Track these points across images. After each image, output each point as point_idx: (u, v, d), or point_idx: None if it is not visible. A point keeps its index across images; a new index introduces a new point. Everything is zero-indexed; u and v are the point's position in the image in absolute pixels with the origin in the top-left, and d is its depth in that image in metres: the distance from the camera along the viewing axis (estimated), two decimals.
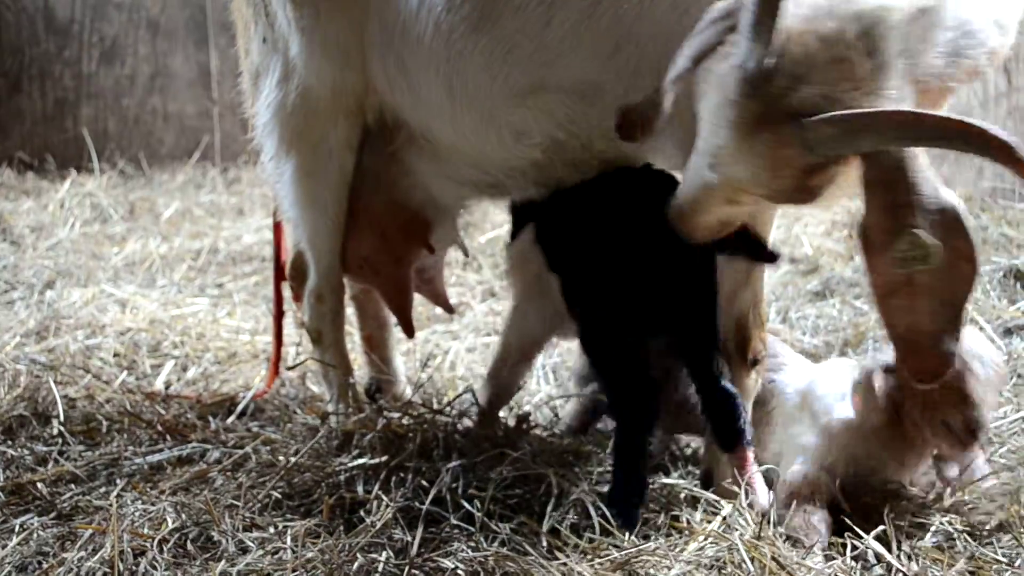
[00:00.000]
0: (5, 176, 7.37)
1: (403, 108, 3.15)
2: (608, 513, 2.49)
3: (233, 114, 7.48)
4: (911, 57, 2.16)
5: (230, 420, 3.42)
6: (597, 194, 2.81)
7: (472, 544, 2.40)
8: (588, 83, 2.79)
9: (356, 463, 2.80)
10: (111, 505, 2.62)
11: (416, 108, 3.11)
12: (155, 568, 2.38)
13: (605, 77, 2.76)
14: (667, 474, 2.91)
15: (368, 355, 3.78)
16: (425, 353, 4.17)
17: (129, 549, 2.44)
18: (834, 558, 2.42)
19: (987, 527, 2.56)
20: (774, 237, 2.86)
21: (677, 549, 2.38)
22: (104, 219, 6.49)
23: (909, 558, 2.41)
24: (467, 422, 3.08)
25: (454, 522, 2.52)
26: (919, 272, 2.13)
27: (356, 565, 2.31)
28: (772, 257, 2.63)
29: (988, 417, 2.57)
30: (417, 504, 2.57)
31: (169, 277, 5.33)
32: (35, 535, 2.56)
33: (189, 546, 2.48)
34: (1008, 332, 3.82)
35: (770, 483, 2.71)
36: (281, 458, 2.88)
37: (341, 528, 2.54)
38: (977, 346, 2.57)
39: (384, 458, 2.81)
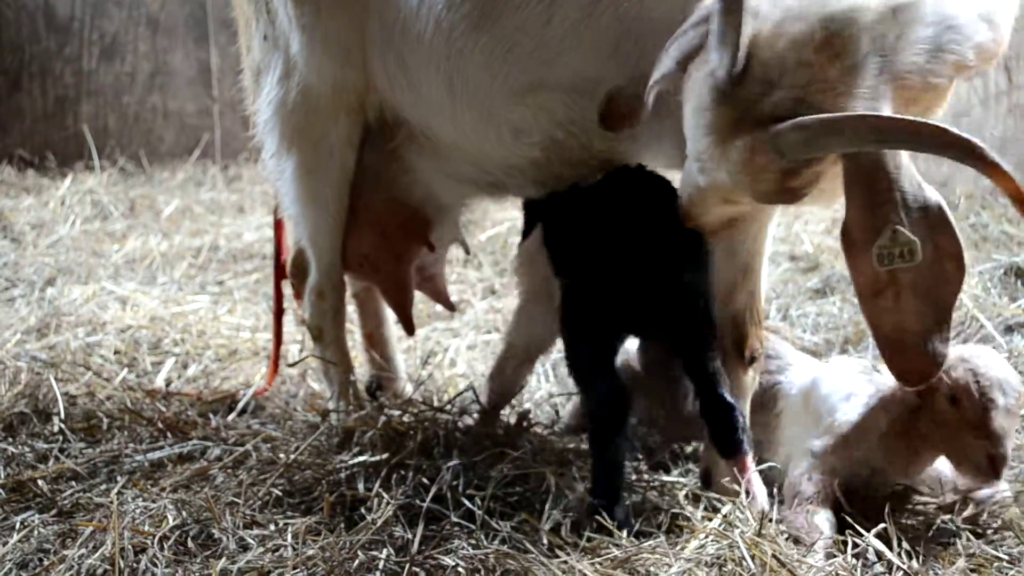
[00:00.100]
0: (6, 173, 7.37)
1: (403, 106, 3.15)
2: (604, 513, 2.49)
3: (233, 111, 7.49)
4: (886, 55, 2.16)
5: (231, 417, 3.42)
6: (598, 197, 2.81)
7: (472, 542, 2.40)
8: (588, 81, 2.79)
9: (357, 460, 2.80)
10: (112, 502, 2.62)
11: (416, 106, 3.11)
12: (156, 565, 2.38)
13: (605, 75, 2.76)
14: (667, 472, 2.91)
15: (369, 352, 3.79)
16: (426, 351, 4.17)
17: (130, 546, 2.44)
18: (835, 556, 2.41)
19: (990, 525, 2.56)
20: (775, 235, 2.86)
21: (678, 547, 2.38)
22: (104, 216, 6.49)
23: (910, 556, 2.41)
24: (468, 420, 3.09)
25: (455, 520, 2.52)
26: (903, 270, 2.14)
27: (357, 562, 2.31)
28: None
29: (1010, 448, 2.50)
30: (418, 502, 2.57)
31: (170, 274, 5.33)
32: (36, 532, 2.57)
33: (190, 543, 2.48)
34: (1009, 330, 3.82)
35: (772, 482, 2.71)
36: (282, 455, 2.88)
37: (342, 525, 2.54)
38: (997, 372, 2.51)
39: (385, 456, 2.81)
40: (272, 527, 2.54)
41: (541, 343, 3.11)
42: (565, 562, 2.30)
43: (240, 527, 2.53)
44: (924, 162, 2.23)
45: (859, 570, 2.34)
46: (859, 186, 2.15)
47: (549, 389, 3.68)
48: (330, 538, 2.44)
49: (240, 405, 3.51)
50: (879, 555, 2.40)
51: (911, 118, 2.05)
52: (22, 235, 5.93)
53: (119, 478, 2.87)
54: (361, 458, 2.81)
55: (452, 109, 2.99)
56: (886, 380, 2.64)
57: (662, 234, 2.56)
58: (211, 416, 3.40)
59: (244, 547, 2.45)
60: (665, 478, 2.81)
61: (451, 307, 4.00)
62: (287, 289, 3.70)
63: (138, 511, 2.62)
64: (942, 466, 2.73)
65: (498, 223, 5.75)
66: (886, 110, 2.14)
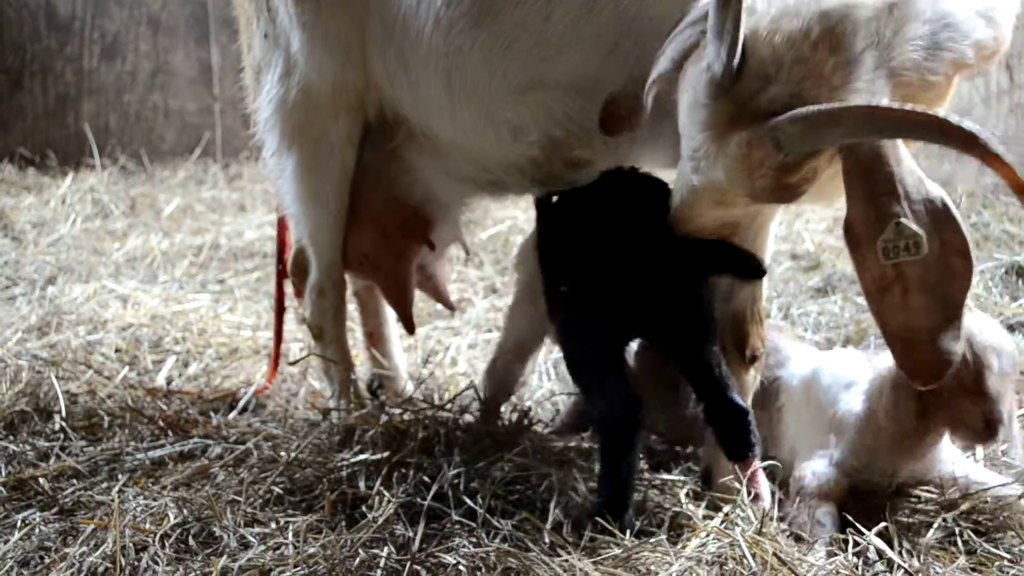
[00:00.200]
0: (6, 172, 7.37)
1: (403, 104, 3.15)
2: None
3: (234, 110, 7.48)
4: (883, 51, 2.16)
5: (232, 416, 3.43)
6: (591, 201, 2.78)
7: (474, 540, 2.40)
8: (587, 79, 2.78)
9: (358, 459, 2.80)
10: (113, 500, 2.62)
11: (416, 104, 3.11)
12: (157, 563, 2.38)
13: (604, 73, 2.75)
14: (668, 471, 2.91)
15: (370, 351, 3.79)
16: (427, 349, 4.17)
17: (131, 544, 2.44)
18: (836, 554, 2.41)
19: (991, 524, 2.56)
20: (776, 234, 2.85)
21: (679, 545, 2.38)
22: (105, 215, 6.49)
23: (911, 554, 2.41)
24: (469, 418, 3.08)
25: (456, 518, 2.52)
26: (909, 265, 2.12)
27: (358, 561, 2.31)
28: (757, 272, 2.57)
29: (1007, 409, 2.54)
30: (419, 500, 2.57)
31: (170, 273, 5.33)
32: (37, 530, 2.57)
33: (191, 541, 2.48)
34: (1010, 329, 3.81)
35: (774, 478, 2.71)
36: (283, 454, 2.88)
37: (343, 524, 2.54)
38: (992, 337, 2.53)
39: (386, 454, 2.81)
40: (273, 525, 2.54)
41: (533, 340, 3.11)
42: (566, 561, 2.30)
43: (241, 525, 2.53)
44: (925, 160, 2.22)
45: (860, 568, 2.34)
46: (859, 180, 2.14)
47: (550, 387, 3.68)
48: (331, 536, 2.44)
49: (241, 403, 3.51)
50: (880, 553, 2.40)
51: (910, 107, 2.03)
52: (23, 233, 5.93)
53: (120, 476, 2.87)
54: (362, 456, 2.81)
55: (451, 107, 2.99)
56: (884, 361, 2.66)
57: (659, 236, 2.52)
58: (212, 414, 3.40)
59: (245, 545, 2.45)
60: (666, 476, 2.81)
61: (451, 307, 4.00)
62: (288, 287, 3.70)
63: (139, 509, 2.62)
64: (945, 462, 2.75)
65: (499, 222, 5.75)
66: None
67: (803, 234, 5.38)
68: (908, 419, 2.59)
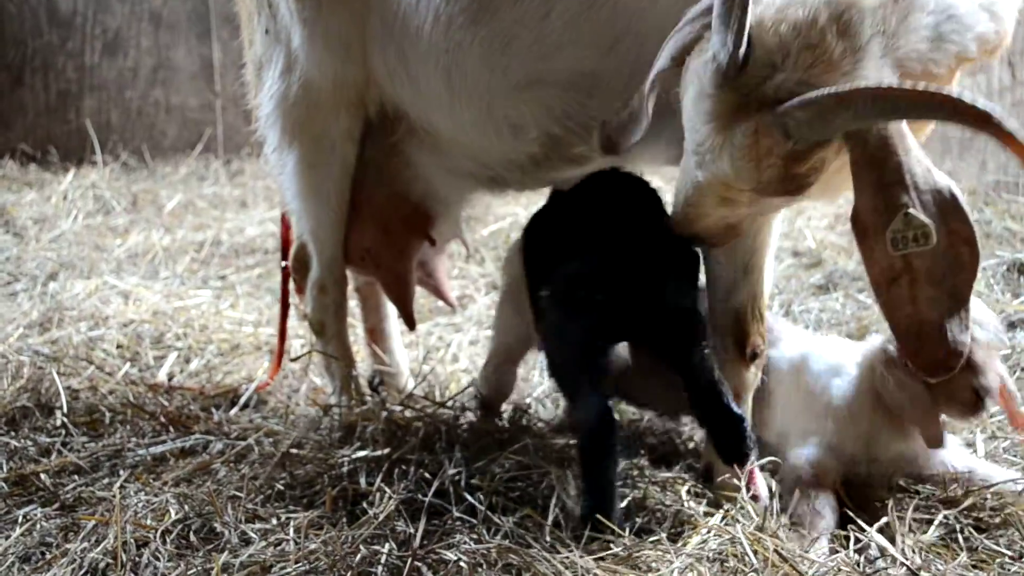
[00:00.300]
0: (8, 168, 7.38)
1: (403, 100, 3.15)
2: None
3: (236, 106, 7.49)
4: (889, 40, 2.15)
5: (233, 412, 3.43)
6: (575, 203, 2.76)
7: (475, 536, 2.40)
8: (587, 77, 2.78)
9: (359, 455, 2.80)
10: (114, 496, 2.62)
11: (416, 100, 3.11)
12: (158, 559, 2.38)
13: (604, 70, 2.75)
14: (668, 467, 2.91)
15: (371, 347, 3.79)
16: (428, 346, 4.17)
17: (132, 540, 2.44)
18: (837, 551, 2.41)
19: (992, 521, 2.56)
20: (777, 231, 2.85)
21: (679, 543, 2.38)
22: (107, 211, 6.50)
23: (913, 551, 2.40)
24: (469, 415, 3.09)
25: (457, 515, 2.52)
26: (917, 257, 2.11)
27: (359, 557, 2.31)
28: None
29: (994, 380, 2.57)
30: (420, 496, 2.57)
31: (172, 269, 5.34)
32: (38, 526, 2.57)
33: (192, 537, 2.48)
34: (1012, 326, 3.81)
35: (773, 471, 2.71)
36: (284, 450, 2.88)
37: (344, 520, 2.54)
38: (975, 311, 2.51)
39: (386, 450, 2.81)
40: (274, 521, 2.54)
41: (520, 346, 3.08)
42: (567, 557, 2.30)
43: (242, 521, 2.53)
44: (927, 157, 2.20)
45: (862, 565, 2.34)
46: (868, 169, 2.12)
47: (550, 385, 3.67)
48: (332, 532, 2.44)
49: (242, 399, 3.52)
50: (882, 550, 2.39)
51: (923, 86, 2.02)
52: (24, 230, 5.94)
53: (121, 472, 2.87)
54: (363, 452, 2.81)
55: (451, 104, 2.99)
56: (871, 342, 2.70)
57: (646, 237, 2.50)
58: (213, 410, 3.40)
59: (246, 541, 2.45)
60: (666, 474, 2.81)
61: (451, 303, 4.00)
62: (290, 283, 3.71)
63: (140, 505, 2.62)
64: (946, 457, 2.76)
65: (500, 218, 5.75)
66: None
67: (805, 231, 5.38)
68: (899, 393, 2.62)
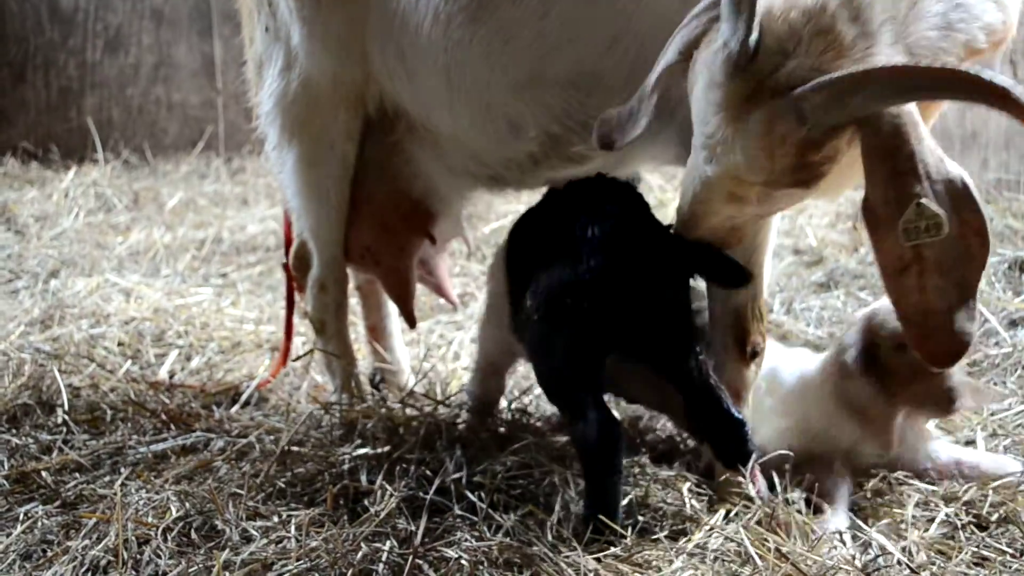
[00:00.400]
0: (9, 166, 7.38)
1: (403, 98, 3.15)
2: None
3: (237, 104, 7.49)
4: (900, 27, 2.14)
5: (234, 409, 3.43)
6: (558, 210, 2.71)
7: (476, 534, 2.40)
8: (586, 75, 2.77)
9: (359, 453, 2.80)
10: (115, 494, 2.62)
11: (415, 98, 3.11)
12: (159, 557, 2.38)
13: (604, 69, 2.74)
14: (669, 465, 2.91)
15: (372, 345, 3.79)
16: (429, 343, 4.17)
17: (133, 538, 2.44)
18: (835, 548, 2.41)
19: (993, 518, 2.56)
20: (779, 229, 2.84)
21: (681, 541, 2.38)
22: (108, 209, 6.50)
23: (917, 548, 2.40)
24: (468, 414, 3.08)
25: (458, 512, 2.52)
26: (928, 246, 2.09)
27: (360, 555, 2.31)
28: (742, 279, 2.47)
29: (962, 379, 2.62)
30: (421, 494, 2.57)
31: (173, 266, 5.34)
32: (39, 523, 2.57)
33: (193, 535, 2.48)
34: (1013, 324, 3.81)
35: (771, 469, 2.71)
36: (283, 446, 2.88)
37: (345, 518, 2.54)
38: None
39: (387, 448, 2.81)
40: (275, 519, 2.54)
41: (503, 359, 3.04)
42: (568, 556, 2.30)
43: (243, 519, 2.53)
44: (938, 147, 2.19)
45: (862, 563, 2.34)
46: (880, 159, 2.10)
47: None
48: (333, 530, 2.44)
49: (243, 397, 3.52)
50: (882, 548, 2.39)
51: (940, 64, 1.99)
52: (26, 227, 5.94)
53: (123, 470, 2.87)
54: (364, 450, 2.81)
55: (450, 102, 2.99)
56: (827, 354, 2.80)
57: (632, 244, 2.45)
58: (214, 408, 3.40)
59: (247, 539, 2.45)
60: (668, 472, 2.81)
61: (452, 301, 4.00)
62: None
63: (141, 503, 2.62)
64: (932, 452, 2.79)
65: (502, 216, 5.74)
66: None
67: (806, 229, 5.38)
68: (857, 401, 2.68)
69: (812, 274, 4.73)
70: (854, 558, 2.33)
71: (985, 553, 2.40)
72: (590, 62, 2.75)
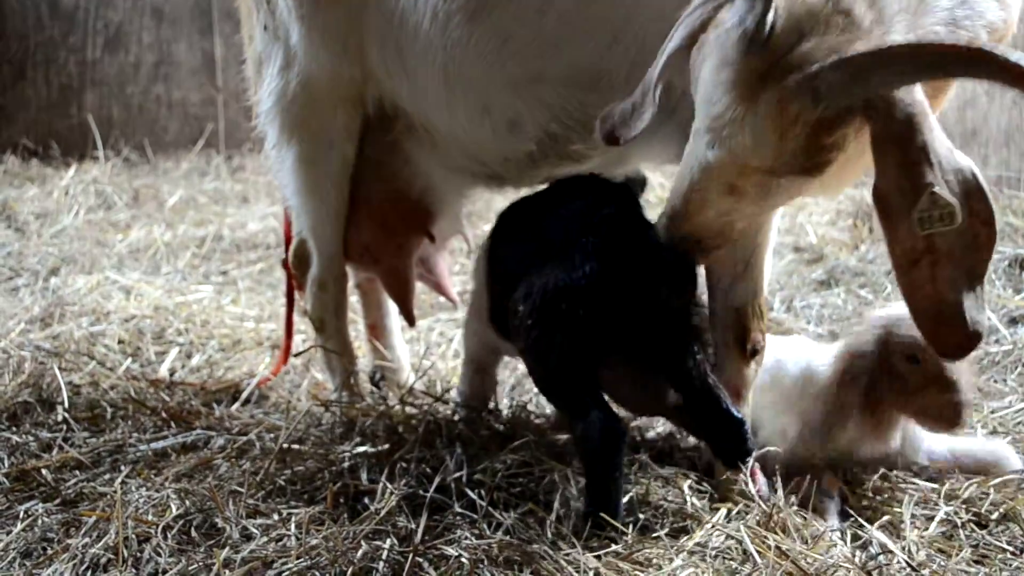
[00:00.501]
0: (10, 163, 7.38)
1: (401, 97, 3.15)
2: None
3: (237, 102, 7.48)
4: (912, 18, 2.13)
5: (234, 407, 3.43)
6: (546, 209, 2.70)
7: (476, 532, 2.40)
8: (585, 73, 2.77)
9: (360, 450, 2.80)
10: (115, 492, 2.62)
11: (414, 97, 3.10)
12: (159, 555, 2.38)
13: (603, 67, 2.74)
14: (670, 464, 2.91)
15: (372, 343, 3.79)
16: (429, 341, 4.17)
17: (133, 536, 2.44)
18: (835, 545, 2.41)
19: (993, 516, 2.56)
20: (779, 227, 2.84)
21: (681, 539, 2.38)
22: (108, 206, 6.51)
23: (916, 546, 2.40)
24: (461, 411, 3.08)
25: (458, 510, 2.52)
26: (940, 236, 2.08)
27: (360, 552, 2.31)
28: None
29: (970, 394, 2.60)
30: (421, 492, 2.57)
31: (173, 264, 5.34)
32: (39, 521, 2.57)
33: (193, 533, 2.48)
34: (1013, 321, 3.82)
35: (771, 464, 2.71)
36: (285, 445, 2.88)
37: (345, 515, 2.54)
38: None
39: (387, 446, 2.81)
40: (275, 517, 2.54)
41: (490, 357, 3.03)
42: (568, 553, 2.30)
43: (243, 516, 2.53)
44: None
45: (862, 561, 2.34)
46: (892, 148, 2.08)
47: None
48: (333, 528, 2.44)
49: (244, 395, 3.52)
50: (882, 546, 2.39)
51: (962, 41, 1.97)
52: (26, 225, 5.94)
53: (123, 467, 2.87)
54: (364, 448, 2.81)
55: (449, 101, 2.98)
56: (840, 344, 2.75)
57: (627, 245, 2.43)
58: (215, 406, 3.40)
59: (247, 536, 2.45)
60: (668, 470, 2.81)
61: (452, 299, 4.00)
62: None
63: (142, 500, 2.62)
64: (929, 446, 2.80)
65: None
66: None
67: (806, 227, 5.38)
68: (858, 395, 2.68)
69: (812, 272, 4.73)
70: (854, 556, 2.33)
71: (985, 551, 2.41)
72: (589, 60, 2.74)
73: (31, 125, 7.80)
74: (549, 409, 3.38)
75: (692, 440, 3.11)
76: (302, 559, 2.30)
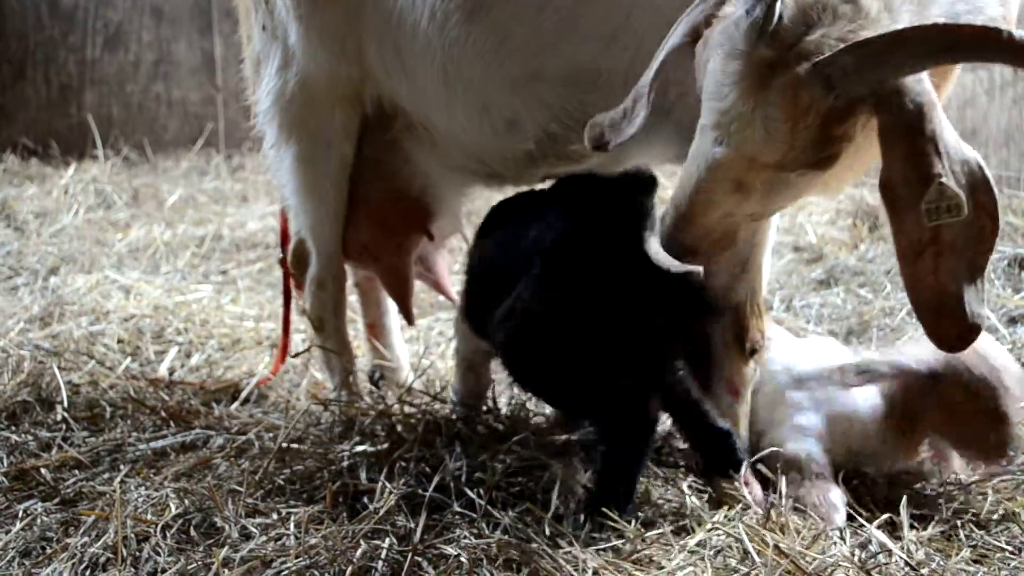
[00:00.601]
0: (9, 162, 7.38)
1: (400, 96, 3.15)
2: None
3: (237, 101, 7.45)
4: (916, 11, 2.13)
5: (234, 407, 3.43)
6: (546, 214, 2.67)
7: (475, 531, 2.40)
8: (584, 72, 2.77)
9: (359, 450, 2.80)
10: (114, 491, 2.62)
11: (413, 96, 3.10)
12: (158, 554, 2.38)
13: (601, 66, 2.73)
14: (670, 463, 2.91)
15: (371, 342, 3.79)
16: (429, 340, 4.17)
17: (132, 535, 2.44)
18: (834, 545, 2.41)
19: (992, 516, 2.56)
20: (779, 226, 2.84)
21: (681, 538, 2.38)
22: (108, 205, 6.51)
23: (915, 545, 2.40)
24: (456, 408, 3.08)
25: (457, 509, 2.52)
26: (946, 227, 2.07)
27: (359, 552, 2.31)
28: (716, 314, 2.47)
29: (1016, 431, 2.57)
30: (420, 491, 2.56)
31: (173, 264, 5.34)
32: (39, 521, 2.57)
33: (192, 532, 2.48)
34: (1012, 321, 3.81)
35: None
36: (284, 444, 2.88)
37: (344, 515, 2.54)
38: (1004, 359, 2.56)
39: (386, 445, 2.81)
40: (275, 516, 2.54)
41: (480, 358, 3.01)
42: (568, 552, 2.30)
43: (243, 516, 2.53)
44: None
45: (862, 560, 2.34)
46: (901, 138, 2.07)
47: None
48: (332, 527, 2.44)
49: (243, 394, 3.52)
50: (882, 545, 2.39)
51: (981, 24, 1.95)
52: (26, 224, 5.94)
53: (122, 467, 2.87)
54: (363, 447, 2.81)
55: (447, 100, 2.98)
56: (892, 359, 2.69)
57: (615, 260, 2.40)
58: (214, 405, 3.41)
59: (247, 536, 2.45)
60: (668, 469, 2.81)
61: (451, 298, 3.99)
62: None
63: (141, 500, 2.62)
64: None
65: None
66: None
67: (806, 226, 5.37)
68: (905, 428, 2.66)
69: (812, 271, 4.73)
70: (853, 555, 2.33)
71: (984, 551, 2.41)
72: (588, 59, 2.74)
73: (31, 124, 7.81)
74: (548, 408, 3.39)
75: None
76: (301, 558, 2.30)
